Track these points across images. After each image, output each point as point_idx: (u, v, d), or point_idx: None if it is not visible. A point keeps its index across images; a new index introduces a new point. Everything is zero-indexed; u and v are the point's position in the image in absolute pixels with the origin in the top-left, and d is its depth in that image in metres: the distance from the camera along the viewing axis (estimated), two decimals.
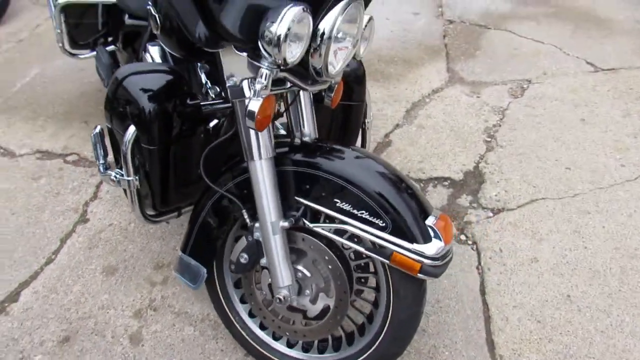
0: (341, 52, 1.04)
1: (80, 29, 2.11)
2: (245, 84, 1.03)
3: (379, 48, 2.92)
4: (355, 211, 1.05)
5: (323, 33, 0.93)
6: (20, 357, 1.44)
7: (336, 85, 1.21)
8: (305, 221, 1.13)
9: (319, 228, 1.11)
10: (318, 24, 0.93)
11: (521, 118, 2.34)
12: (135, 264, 1.71)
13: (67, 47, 2.16)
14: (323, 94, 1.23)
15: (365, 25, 1.10)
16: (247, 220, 1.16)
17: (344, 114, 1.50)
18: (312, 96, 1.25)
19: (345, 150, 1.14)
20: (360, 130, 1.61)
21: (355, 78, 1.45)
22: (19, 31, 3.29)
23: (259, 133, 1.05)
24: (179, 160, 1.24)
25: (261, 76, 0.94)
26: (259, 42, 0.90)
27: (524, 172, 2.01)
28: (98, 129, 1.27)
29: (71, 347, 1.46)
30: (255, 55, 0.95)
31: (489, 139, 2.20)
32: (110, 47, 2.08)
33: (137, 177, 1.22)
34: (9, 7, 3.46)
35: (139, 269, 1.69)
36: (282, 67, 0.94)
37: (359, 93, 1.48)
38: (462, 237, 1.76)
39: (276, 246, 1.11)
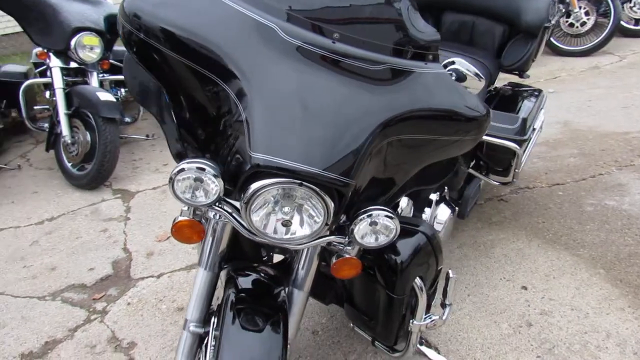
0: (291, 224, 1.08)
1: None
2: None
3: None
4: None
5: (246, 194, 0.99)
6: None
7: (346, 255, 1.19)
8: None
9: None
10: (251, 183, 0.98)
11: None
12: None
13: None
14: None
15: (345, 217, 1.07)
16: None
17: (384, 305, 1.37)
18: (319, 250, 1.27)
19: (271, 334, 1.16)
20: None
21: (400, 268, 1.30)
22: None
23: (206, 245, 1.25)
24: None
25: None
26: None
27: None
28: None
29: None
30: None
31: None
32: None
33: None
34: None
35: None
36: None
37: (401, 286, 1.32)
38: None
39: (181, 342, 1.29)
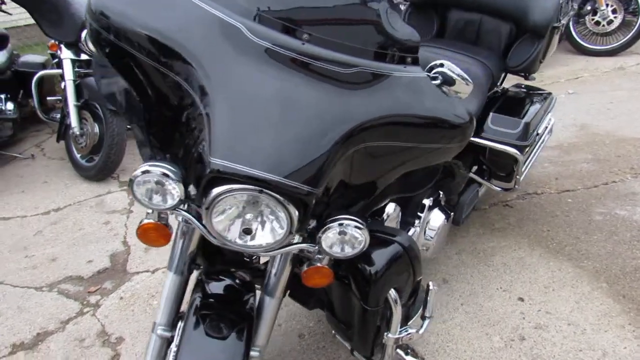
0: (258, 232, 1.05)
1: None
2: None
3: None
4: None
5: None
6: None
7: (317, 263, 1.16)
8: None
9: None
10: (212, 188, 0.94)
11: None
12: None
13: None
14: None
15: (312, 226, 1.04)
16: None
17: (359, 315, 1.33)
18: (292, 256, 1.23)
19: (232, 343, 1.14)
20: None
21: (374, 279, 1.25)
22: None
23: (175, 248, 1.23)
24: None
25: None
26: None
27: None
28: None
29: None
30: None
31: None
32: None
33: None
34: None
35: None
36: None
37: (374, 297, 1.28)
38: None
39: (150, 345, 1.27)
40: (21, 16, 5.41)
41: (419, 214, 1.83)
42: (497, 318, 1.90)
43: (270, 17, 1.03)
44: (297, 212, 0.97)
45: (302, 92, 1.00)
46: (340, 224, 1.05)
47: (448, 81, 1.24)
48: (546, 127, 2.35)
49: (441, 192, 1.93)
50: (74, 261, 2.48)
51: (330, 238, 1.07)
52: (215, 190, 0.95)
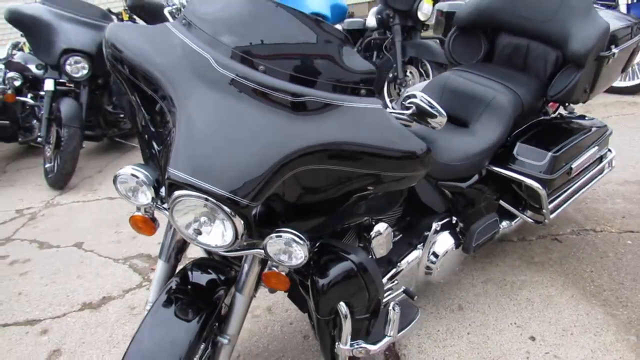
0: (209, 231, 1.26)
1: None
2: None
3: None
4: None
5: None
6: None
7: (275, 268, 1.33)
8: None
9: None
10: (173, 191, 1.16)
11: None
12: None
13: None
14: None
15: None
16: None
17: (316, 322, 1.46)
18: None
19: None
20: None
21: (322, 290, 1.36)
22: None
23: (164, 238, 1.47)
24: None
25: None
26: None
27: None
28: None
29: None
30: None
31: None
32: None
33: None
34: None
35: None
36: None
37: (323, 307, 1.40)
38: None
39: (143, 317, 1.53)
40: None
41: (425, 235, 1.86)
42: (498, 353, 1.85)
43: (235, 50, 1.20)
44: (241, 221, 1.14)
45: (254, 117, 1.16)
46: (283, 236, 1.20)
47: (423, 111, 1.30)
48: (599, 160, 2.19)
49: (455, 217, 1.93)
50: (149, 241, 2.91)
51: (275, 246, 1.23)
52: (174, 194, 1.16)
